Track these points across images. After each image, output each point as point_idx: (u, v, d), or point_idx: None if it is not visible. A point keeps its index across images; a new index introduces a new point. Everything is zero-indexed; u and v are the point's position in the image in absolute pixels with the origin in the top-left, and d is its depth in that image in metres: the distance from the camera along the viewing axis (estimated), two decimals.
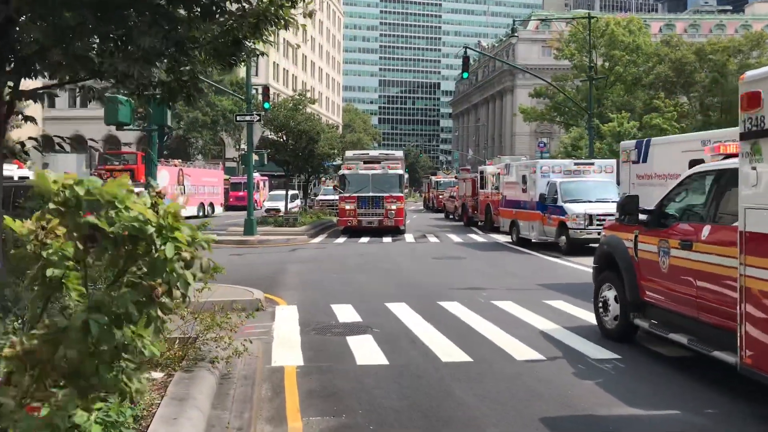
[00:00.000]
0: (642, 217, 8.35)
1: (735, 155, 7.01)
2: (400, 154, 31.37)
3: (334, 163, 40.88)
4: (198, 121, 59.70)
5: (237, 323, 7.32)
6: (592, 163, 22.95)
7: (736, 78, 48.04)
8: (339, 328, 10.00)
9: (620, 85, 61.63)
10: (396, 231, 29.51)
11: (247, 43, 7.04)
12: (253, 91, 29.11)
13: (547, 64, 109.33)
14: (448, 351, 8.45)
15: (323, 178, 51.91)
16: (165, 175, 44.48)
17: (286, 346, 8.85)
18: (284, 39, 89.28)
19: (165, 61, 6.69)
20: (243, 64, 7.70)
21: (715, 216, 7.15)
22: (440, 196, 53.60)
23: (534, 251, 21.55)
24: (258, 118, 26.37)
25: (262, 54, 7.83)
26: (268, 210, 43.12)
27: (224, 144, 72.87)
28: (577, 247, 20.49)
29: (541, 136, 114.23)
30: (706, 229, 7.07)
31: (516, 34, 34.83)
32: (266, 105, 27.07)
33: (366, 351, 8.52)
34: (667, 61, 70.70)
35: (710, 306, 6.92)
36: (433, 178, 61.54)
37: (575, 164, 22.72)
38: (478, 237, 28.21)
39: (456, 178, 44.10)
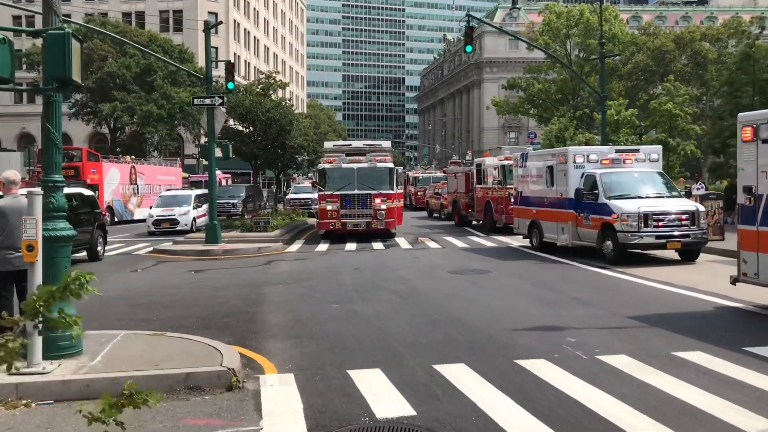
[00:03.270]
0: None
1: None
2: (387, 144, 26.94)
3: (306, 157, 36.13)
4: (153, 115, 54.35)
5: None
6: (637, 150, 18.69)
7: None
8: None
9: (595, 76, 58.83)
10: (386, 234, 25.18)
11: None
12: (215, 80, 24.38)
13: (515, 57, 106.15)
14: None
15: (294, 175, 47.14)
16: (115, 174, 39.60)
17: None
18: (245, 29, 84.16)
19: None
20: None
21: None
22: (419, 193, 49.48)
23: (569, 260, 17.34)
24: (220, 101, 21.70)
25: None
26: (157, 221, 29.85)
27: (182, 140, 67.54)
28: (625, 255, 16.37)
29: (510, 131, 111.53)
30: None
31: (518, 6, 30.47)
32: (230, 85, 22.30)
33: None
34: (646, 49, 68.08)
35: None
36: (411, 173, 57.12)
37: (616, 151, 18.46)
38: (483, 240, 23.96)
39: (444, 172, 39.80)
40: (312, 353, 8.17)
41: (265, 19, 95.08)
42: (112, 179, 39.15)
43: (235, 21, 79.75)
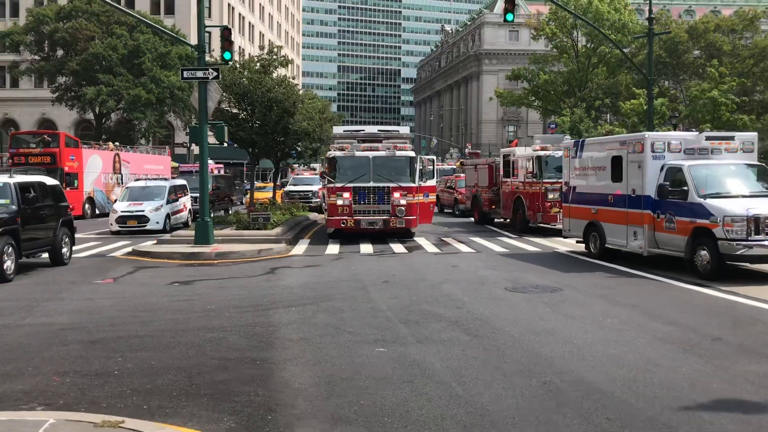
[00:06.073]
0: None
1: None
2: (406, 130, 23.49)
3: (309, 145, 32.26)
4: (141, 100, 50.40)
5: None
6: (732, 138, 15.15)
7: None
8: None
9: (603, 68, 55.93)
10: (404, 234, 21.73)
11: None
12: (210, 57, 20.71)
13: (515, 49, 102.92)
14: None
15: (294, 165, 43.42)
16: (97, 161, 35.91)
17: None
18: (239, 14, 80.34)
19: None
20: None
21: None
22: None
23: (648, 272, 13.91)
24: (215, 74, 18.10)
25: None
26: (122, 219, 24.63)
27: (173, 127, 63.64)
28: (725, 268, 12.94)
29: (509, 124, 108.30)
30: None
31: None
32: (226, 55, 18.57)
33: None
34: (657, 40, 64.97)
35: None
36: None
37: (707, 138, 14.95)
38: (518, 243, 20.50)
39: (462, 164, 36.24)
40: None
41: (260, 4, 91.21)
42: (94, 167, 35.55)
43: (230, 5, 75.93)
